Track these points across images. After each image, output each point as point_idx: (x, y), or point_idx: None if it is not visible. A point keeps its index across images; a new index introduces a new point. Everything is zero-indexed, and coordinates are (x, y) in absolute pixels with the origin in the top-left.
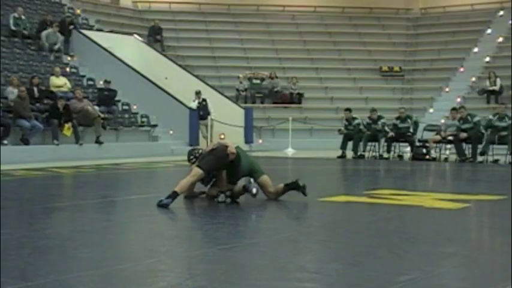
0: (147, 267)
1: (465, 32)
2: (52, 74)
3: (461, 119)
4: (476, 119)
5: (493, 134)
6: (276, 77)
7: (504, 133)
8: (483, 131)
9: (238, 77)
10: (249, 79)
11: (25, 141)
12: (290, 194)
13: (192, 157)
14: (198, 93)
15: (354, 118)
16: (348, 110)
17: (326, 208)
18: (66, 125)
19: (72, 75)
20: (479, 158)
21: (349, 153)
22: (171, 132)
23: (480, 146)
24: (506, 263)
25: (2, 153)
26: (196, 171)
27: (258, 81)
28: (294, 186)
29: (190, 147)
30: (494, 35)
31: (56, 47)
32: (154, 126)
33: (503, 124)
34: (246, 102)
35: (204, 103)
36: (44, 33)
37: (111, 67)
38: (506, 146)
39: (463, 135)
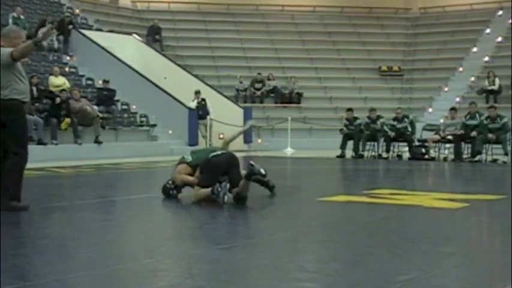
0: (146, 267)
1: (464, 32)
2: (51, 74)
3: (468, 114)
4: (483, 117)
5: (485, 134)
6: (274, 79)
7: (494, 137)
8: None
9: (239, 77)
10: (251, 83)
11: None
12: (290, 193)
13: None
14: (197, 92)
15: (356, 118)
16: (350, 110)
17: (325, 208)
18: (66, 120)
19: (71, 75)
20: (477, 157)
21: (348, 153)
22: (170, 132)
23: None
24: (505, 263)
25: None
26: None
27: (259, 84)
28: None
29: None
30: (493, 35)
31: (55, 46)
32: (154, 125)
33: (496, 126)
34: (245, 102)
35: (203, 103)
36: (40, 32)
37: (110, 67)
38: (497, 145)
39: (474, 134)
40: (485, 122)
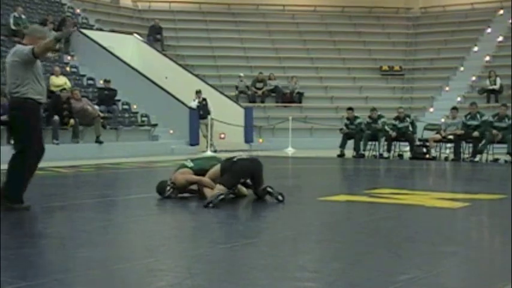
0: (146, 266)
1: (465, 31)
2: (52, 74)
3: (469, 114)
4: (484, 118)
5: (490, 134)
6: (275, 79)
7: (500, 135)
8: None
9: (239, 76)
10: (253, 82)
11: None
12: (291, 193)
13: (168, 188)
14: (198, 92)
15: (356, 117)
16: (350, 109)
17: (326, 207)
18: (71, 121)
19: (72, 75)
20: (477, 157)
21: (349, 153)
22: (171, 131)
23: (479, 145)
24: (506, 263)
25: (5, 152)
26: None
27: (260, 84)
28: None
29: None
30: (494, 34)
31: (56, 45)
32: (155, 125)
33: (502, 125)
34: (246, 102)
35: (204, 102)
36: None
37: (111, 66)
38: (505, 145)
39: (476, 134)
40: (491, 119)
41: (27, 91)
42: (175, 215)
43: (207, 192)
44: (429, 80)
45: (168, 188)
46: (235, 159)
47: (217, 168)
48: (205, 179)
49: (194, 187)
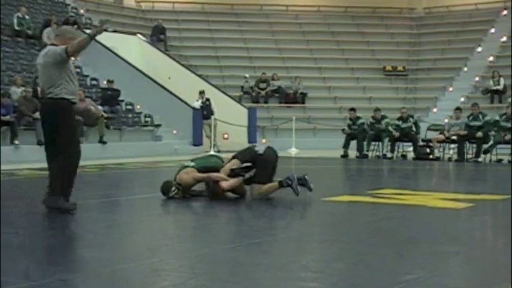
0: (150, 266)
1: (469, 32)
2: None
3: (471, 115)
4: (487, 118)
5: (499, 134)
6: (278, 79)
7: (509, 135)
8: (493, 132)
9: (245, 77)
10: (256, 82)
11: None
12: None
13: (173, 189)
14: (201, 92)
15: (358, 118)
16: (353, 109)
17: (329, 208)
18: None
19: (76, 75)
20: (481, 158)
21: (352, 153)
22: (174, 132)
23: (485, 146)
24: (509, 263)
25: (8, 152)
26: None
27: (263, 84)
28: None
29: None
30: (498, 35)
31: None
32: (158, 125)
33: (508, 125)
34: (249, 102)
35: (207, 103)
36: (45, 32)
37: (115, 67)
38: (509, 145)
39: (479, 134)
40: (497, 118)
41: (61, 91)
42: (178, 215)
43: (224, 184)
44: (433, 80)
45: (173, 188)
46: (260, 151)
47: (234, 161)
48: (215, 174)
49: (197, 187)
